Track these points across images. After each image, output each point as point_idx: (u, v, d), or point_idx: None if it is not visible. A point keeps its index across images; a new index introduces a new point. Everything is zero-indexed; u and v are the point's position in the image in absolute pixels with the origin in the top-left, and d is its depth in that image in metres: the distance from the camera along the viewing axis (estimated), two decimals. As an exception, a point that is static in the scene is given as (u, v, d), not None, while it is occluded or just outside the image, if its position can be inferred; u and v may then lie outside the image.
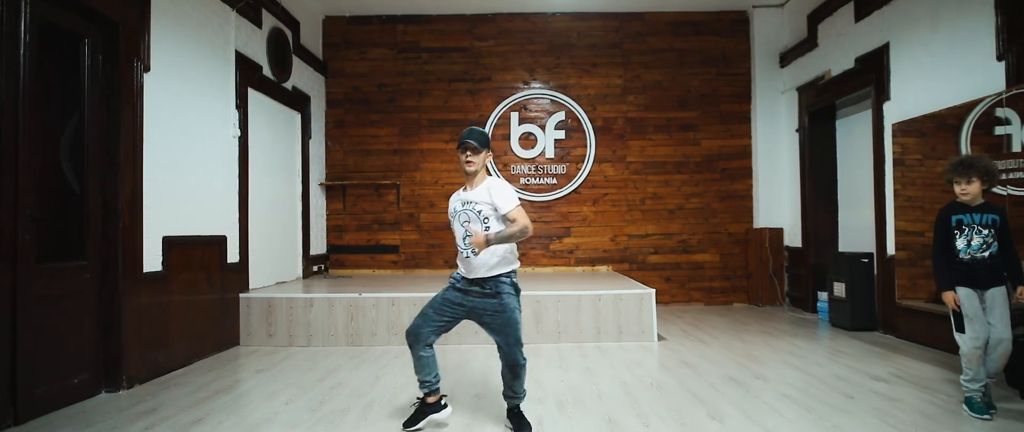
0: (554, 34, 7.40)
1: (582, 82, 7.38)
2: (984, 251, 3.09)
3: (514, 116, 7.37)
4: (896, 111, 5.07)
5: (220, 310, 4.83)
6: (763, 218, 7.18)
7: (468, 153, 2.79)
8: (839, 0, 5.87)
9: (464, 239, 2.75)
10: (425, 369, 2.85)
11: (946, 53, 4.53)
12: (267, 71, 5.73)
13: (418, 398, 2.95)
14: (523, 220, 2.65)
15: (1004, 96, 3.95)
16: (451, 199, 2.90)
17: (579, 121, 7.36)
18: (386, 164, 7.39)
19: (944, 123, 4.53)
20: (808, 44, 6.52)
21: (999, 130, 4.04)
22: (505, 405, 2.99)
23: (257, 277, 5.52)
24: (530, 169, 7.35)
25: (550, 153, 7.36)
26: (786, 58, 7.04)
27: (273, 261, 5.93)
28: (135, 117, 3.83)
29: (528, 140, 7.37)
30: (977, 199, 3.15)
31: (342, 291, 5.36)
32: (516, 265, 2.84)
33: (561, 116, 7.36)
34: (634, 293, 5.19)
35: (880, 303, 5.34)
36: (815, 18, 6.37)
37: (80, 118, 3.62)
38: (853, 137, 6.21)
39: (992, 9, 4.09)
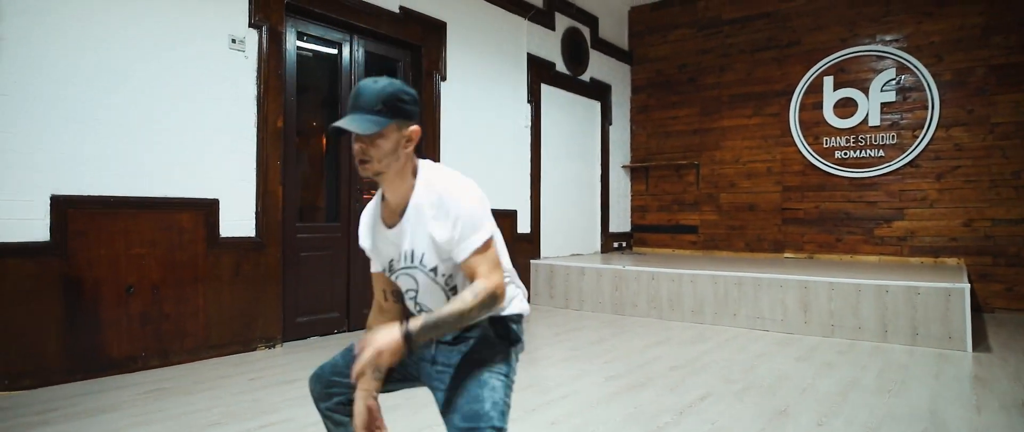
0: (883, -24, 6.17)
1: (922, 28, 5.96)
2: None
3: (827, 81, 6.45)
4: None
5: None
6: None
7: (359, 144, 1.35)
8: None
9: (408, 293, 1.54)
10: None
11: None
12: (561, 67, 6.51)
13: None
14: (491, 278, 1.35)
15: None
16: (363, 221, 1.59)
17: (918, 77, 5.97)
18: (686, 145, 7.40)
19: None
20: None
21: None
22: None
23: (549, 247, 6.39)
24: (848, 141, 6.33)
25: (875, 120, 6.18)
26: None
27: (566, 235, 6.72)
28: (432, 116, 5.04)
29: (846, 107, 6.35)
30: None
31: (611, 264, 5.79)
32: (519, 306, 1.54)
33: (891, 74, 6.10)
34: (938, 287, 4.12)
35: None
36: None
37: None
38: None
39: None
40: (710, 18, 7.22)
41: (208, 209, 3.58)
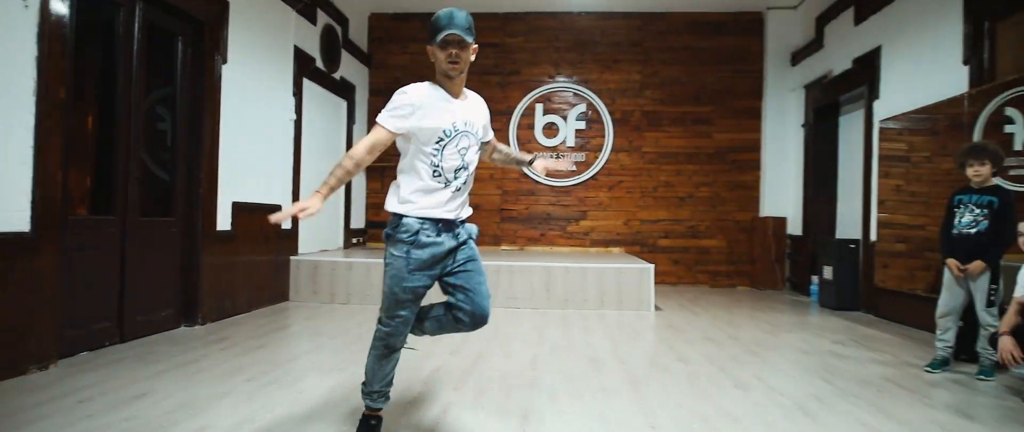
0: (579, 31, 7.99)
1: (603, 77, 7.97)
2: (971, 228, 3.36)
3: (539, 107, 8.02)
4: (884, 109, 5.52)
5: (274, 268, 5.65)
6: (768, 207, 7.66)
7: (454, 50, 2.00)
8: (844, 4, 6.30)
9: (456, 171, 2.11)
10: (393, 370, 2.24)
11: (923, 57, 4.97)
12: (319, 63, 6.52)
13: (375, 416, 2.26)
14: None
15: (966, 95, 4.41)
16: (429, 108, 2.06)
17: (599, 113, 7.96)
18: (421, 148, 8.12)
19: (919, 121, 5.00)
20: (816, 45, 6.95)
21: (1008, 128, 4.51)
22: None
23: (306, 243, 6.34)
24: (552, 157, 7.99)
25: (571, 142, 7.98)
26: (796, 57, 7.47)
27: (318, 231, 6.75)
28: (214, 101, 4.63)
29: (551, 129, 8.01)
30: (987, 181, 3.37)
31: (373, 258, 6.14)
32: None
33: (582, 108, 7.97)
34: (635, 267, 5.80)
35: (864, 285, 5.81)
36: (823, 20, 6.80)
37: (165, 95, 4.44)
38: (851, 133, 6.64)
39: (960, 13, 4.52)
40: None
41: (-28, 196, 2.79)
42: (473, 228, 2.26)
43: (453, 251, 2.17)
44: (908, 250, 5.33)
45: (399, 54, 8.16)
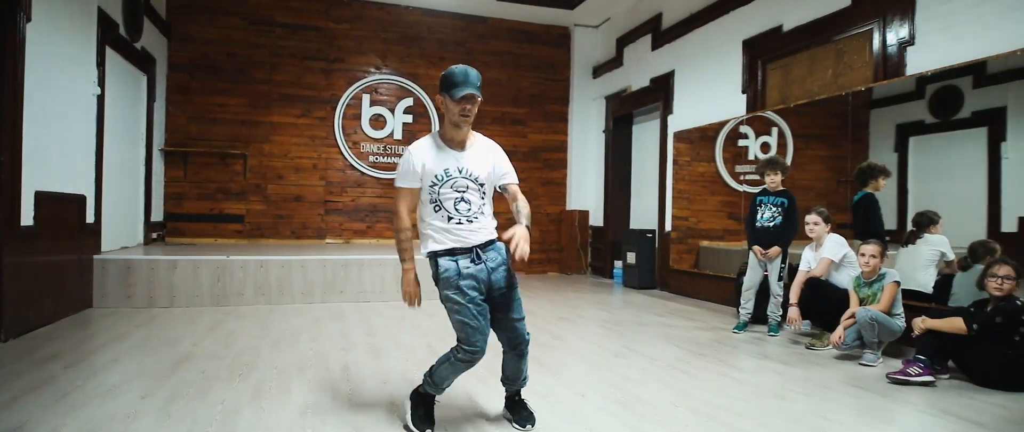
0: (407, 25, 8.07)
1: (430, 73, 8.16)
2: (770, 222, 4.38)
3: (366, 98, 7.91)
4: (676, 123, 6.74)
5: (78, 270, 4.78)
6: (574, 202, 8.68)
7: (468, 105, 2.27)
8: (642, 30, 7.46)
9: (457, 204, 2.30)
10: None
11: (711, 82, 6.22)
12: (123, 30, 5.60)
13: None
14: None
15: (743, 119, 5.69)
16: (426, 156, 2.30)
17: (426, 108, 8.15)
18: (233, 134, 7.43)
19: (705, 135, 6.27)
20: (616, 62, 8.08)
21: (741, 142, 5.81)
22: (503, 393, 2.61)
23: (108, 240, 5.44)
24: (379, 149, 7.96)
25: (398, 135, 8.04)
26: (598, 71, 8.58)
27: (118, 225, 5.82)
28: (17, 68, 3.79)
29: (378, 121, 7.97)
30: (778, 186, 4.40)
31: (201, 255, 5.56)
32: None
33: (410, 102, 8.08)
34: (480, 258, 6.19)
35: (659, 268, 7.03)
36: (623, 42, 7.94)
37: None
38: (644, 139, 7.91)
39: (740, 53, 5.79)
40: (263, 15, 7.51)
41: None
42: (500, 247, 2.40)
43: (490, 274, 2.33)
44: (677, 237, 6.67)
45: (206, 27, 7.32)
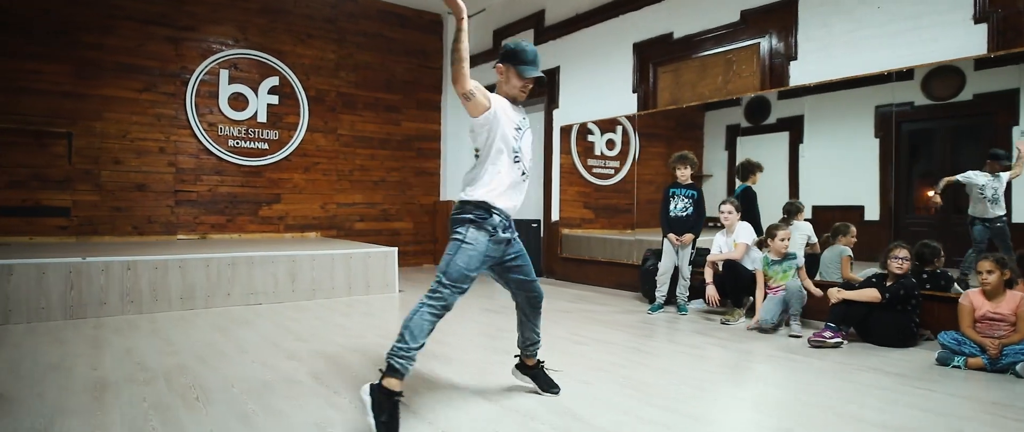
0: (270, -4, 7.28)
1: (297, 50, 7.47)
2: (683, 212, 4.82)
3: (224, 73, 6.98)
4: (562, 117, 7.05)
5: None
6: (448, 192, 8.62)
7: (531, 85, 2.46)
8: (523, 25, 7.62)
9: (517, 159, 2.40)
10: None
11: (600, 81, 6.61)
12: (-89, -35, 4.26)
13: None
14: None
15: (636, 116, 6.17)
16: (504, 104, 2.39)
17: (293, 89, 7.45)
18: (53, 108, 6.07)
19: (591, 131, 6.67)
20: (493, 54, 8.16)
21: (590, 138, 6.32)
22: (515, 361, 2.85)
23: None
24: (240, 131, 7.10)
25: (263, 117, 7.24)
26: (474, 61, 8.56)
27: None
28: None
29: (239, 101, 7.09)
30: (688, 179, 4.85)
31: (46, 257, 4.51)
32: None
33: (275, 81, 7.31)
34: (380, 252, 5.89)
35: (545, 256, 7.32)
36: (501, 34, 8.03)
37: None
38: (522, 132, 8.13)
39: (631, 54, 6.25)
40: (90, -33, 6.21)
41: None
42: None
43: (509, 242, 2.51)
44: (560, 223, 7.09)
45: (10, -27, 5.85)
